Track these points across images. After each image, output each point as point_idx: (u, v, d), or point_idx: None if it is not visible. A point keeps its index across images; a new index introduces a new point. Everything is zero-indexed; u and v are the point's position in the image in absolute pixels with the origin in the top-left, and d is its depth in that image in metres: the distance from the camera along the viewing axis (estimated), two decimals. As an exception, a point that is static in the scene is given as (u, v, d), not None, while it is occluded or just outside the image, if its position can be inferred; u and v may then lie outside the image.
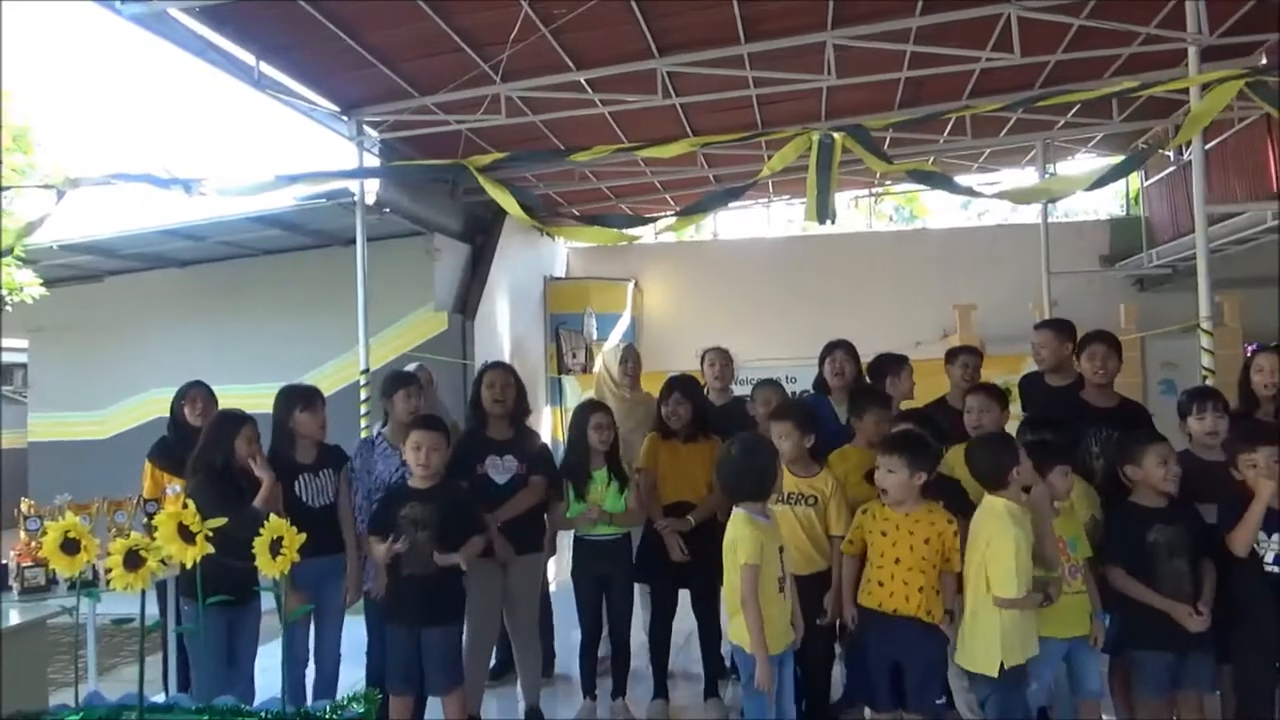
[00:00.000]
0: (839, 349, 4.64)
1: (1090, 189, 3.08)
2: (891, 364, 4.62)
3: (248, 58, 7.39)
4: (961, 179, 13.24)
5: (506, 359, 11.83)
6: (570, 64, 8.06)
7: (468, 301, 10.91)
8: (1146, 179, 12.85)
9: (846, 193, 14.27)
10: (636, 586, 4.44)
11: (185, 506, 2.69)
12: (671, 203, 13.16)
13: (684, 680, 4.75)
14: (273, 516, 2.71)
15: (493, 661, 4.78)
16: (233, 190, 3.28)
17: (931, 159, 12.33)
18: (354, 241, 8.51)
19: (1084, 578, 3.31)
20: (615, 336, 13.28)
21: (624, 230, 3.54)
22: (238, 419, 3.73)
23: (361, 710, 2.77)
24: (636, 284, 14.24)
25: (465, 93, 8.26)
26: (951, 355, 4.80)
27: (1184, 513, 3.28)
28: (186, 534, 2.67)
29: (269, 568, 2.65)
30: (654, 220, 3.59)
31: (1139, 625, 3.26)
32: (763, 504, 3.27)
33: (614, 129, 9.73)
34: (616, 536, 4.22)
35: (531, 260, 12.96)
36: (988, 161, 12.77)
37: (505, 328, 11.88)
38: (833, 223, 3.02)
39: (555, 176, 11.60)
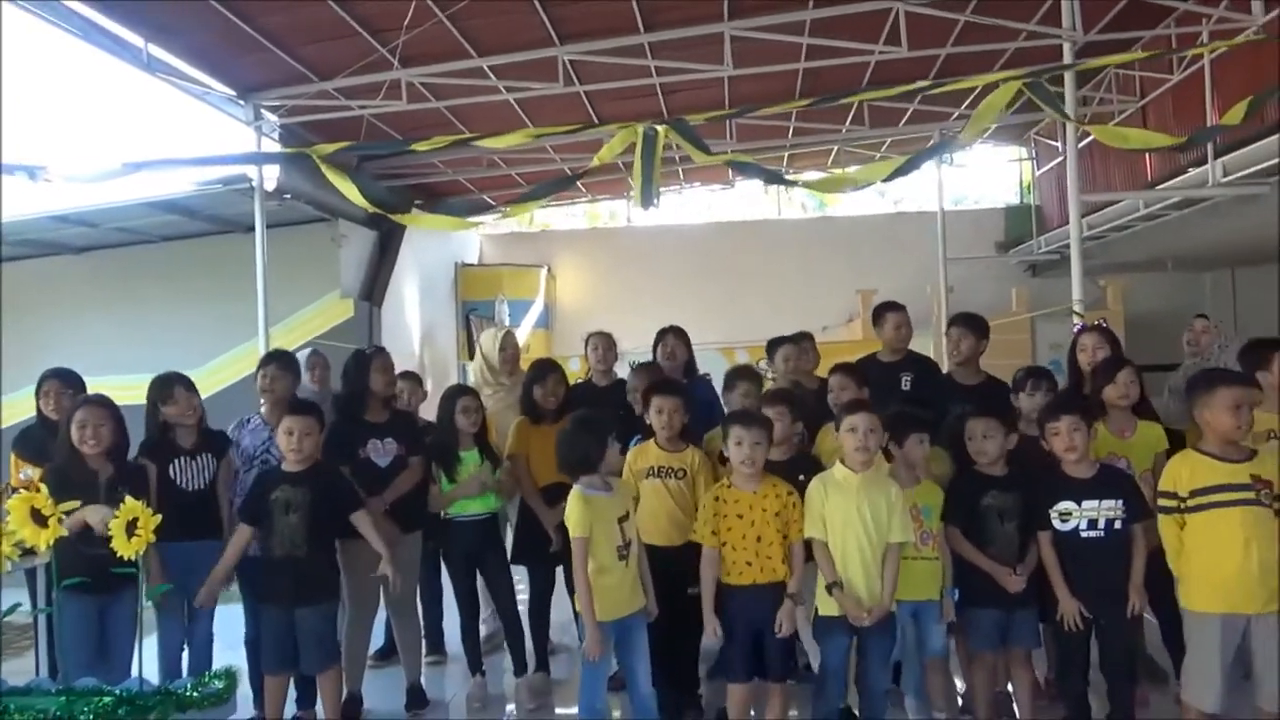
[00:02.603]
0: (669, 334, 4.91)
1: (888, 180, 3.30)
2: (771, 345, 4.90)
3: (136, 40, 7.25)
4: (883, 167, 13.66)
5: (416, 345, 11.82)
6: (470, 50, 8.08)
7: (375, 288, 10.85)
8: (1038, 169, 13.41)
9: (756, 180, 14.53)
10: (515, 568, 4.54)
11: (38, 491, 2.73)
12: (582, 189, 13.26)
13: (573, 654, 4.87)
14: (129, 499, 2.77)
15: (382, 642, 4.87)
16: (80, 177, 3.27)
17: (835, 149, 12.70)
18: (255, 228, 8.43)
19: (936, 547, 3.52)
20: (528, 323, 13.35)
21: (467, 218, 3.63)
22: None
23: (221, 686, 2.84)
24: (549, 270, 14.31)
25: (365, 78, 8.22)
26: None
27: (1018, 482, 3.52)
28: (39, 518, 2.71)
29: (124, 548, 2.71)
30: (496, 208, 3.68)
31: (971, 585, 3.49)
32: (598, 476, 3.39)
33: (520, 116, 9.77)
34: (484, 516, 4.32)
35: (442, 247, 12.92)
36: (890, 151, 13.14)
37: (415, 314, 11.84)
38: (657, 208, 3.18)
39: (464, 163, 11.60)
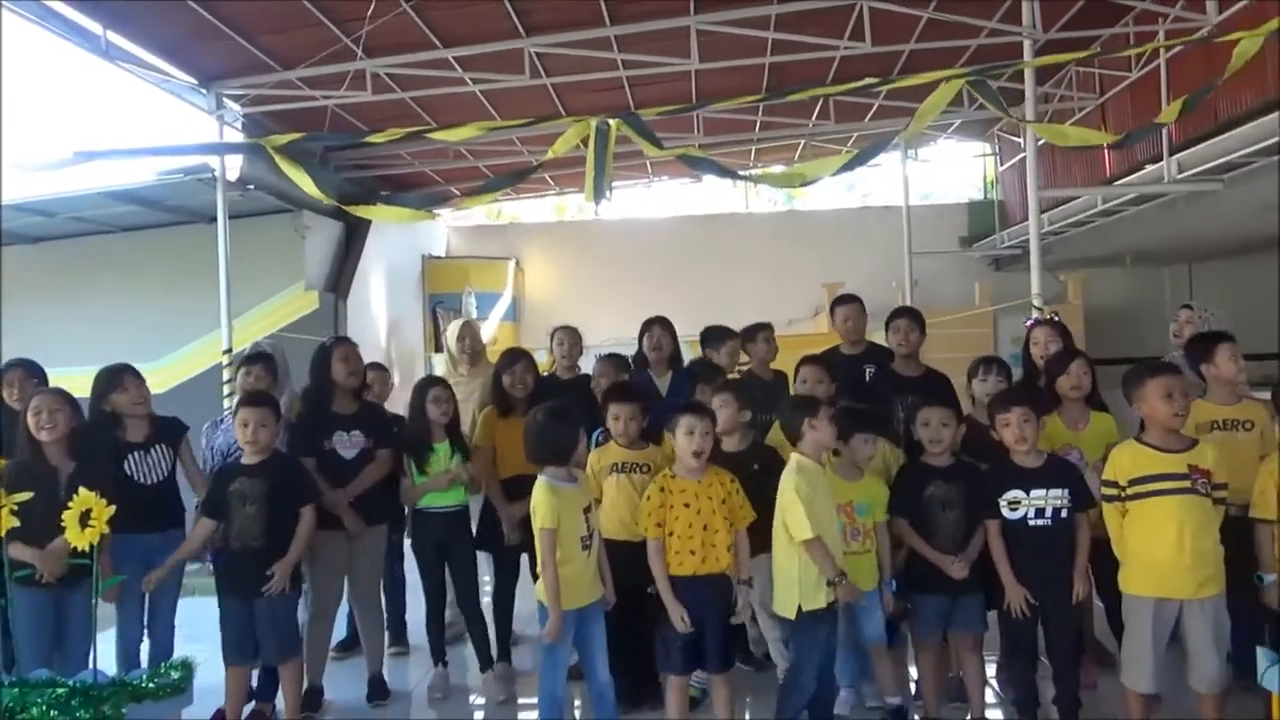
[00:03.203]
0: (656, 325, 4.90)
1: (836, 174, 3.37)
2: (715, 337, 4.93)
3: (94, 27, 7.15)
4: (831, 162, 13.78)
5: (383, 338, 11.77)
6: (436, 41, 8.05)
7: (340, 280, 10.78)
8: (1001, 164, 13.58)
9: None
10: (480, 555, 4.55)
11: (-10, 483, 2.71)
12: (550, 182, 13.24)
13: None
14: (82, 490, 2.76)
15: (344, 634, 4.87)
16: (31, 166, 3.25)
17: (802, 144, 12.78)
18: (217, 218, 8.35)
19: (870, 540, 3.58)
20: (496, 316, 13.32)
21: (421, 209, 3.64)
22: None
23: (178, 676, 2.85)
24: (518, 263, 14.28)
25: (329, 68, 8.16)
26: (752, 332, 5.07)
27: (963, 471, 3.60)
28: (-10, 509, 2.69)
29: (77, 539, 2.70)
30: (449, 200, 3.68)
31: (916, 573, 3.58)
32: (565, 469, 3.42)
33: (486, 108, 9.75)
34: (455, 508, 4.32)
35: (409, 239, 12.85)
36: (855, 146, 13.25)
37: (381, 307, 11.78)
38: (609, 202, 3.21)
39: (431, 155, 11.55)
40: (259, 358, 4.45)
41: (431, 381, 4.41)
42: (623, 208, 15.83)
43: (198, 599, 4.38)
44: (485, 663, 4.38)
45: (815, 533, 3.27)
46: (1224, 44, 3.94)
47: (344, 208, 3.41)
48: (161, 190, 9.05)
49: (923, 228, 12.56)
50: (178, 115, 8.87)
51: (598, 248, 14.48)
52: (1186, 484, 3.16)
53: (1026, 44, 7.87)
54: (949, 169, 15.83)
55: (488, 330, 13.02)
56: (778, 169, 13.88)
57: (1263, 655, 2.78)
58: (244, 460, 3.70)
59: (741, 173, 4.09)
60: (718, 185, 15.74)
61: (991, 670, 3.97)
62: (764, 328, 5.10)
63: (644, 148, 3.17)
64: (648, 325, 4.92)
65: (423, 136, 3.80)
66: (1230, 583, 3.24)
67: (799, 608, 3.34)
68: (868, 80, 4.40)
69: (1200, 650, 3.15)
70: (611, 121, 3.00)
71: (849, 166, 3.34)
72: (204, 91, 8.41)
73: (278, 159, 3.11)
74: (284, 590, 3.64)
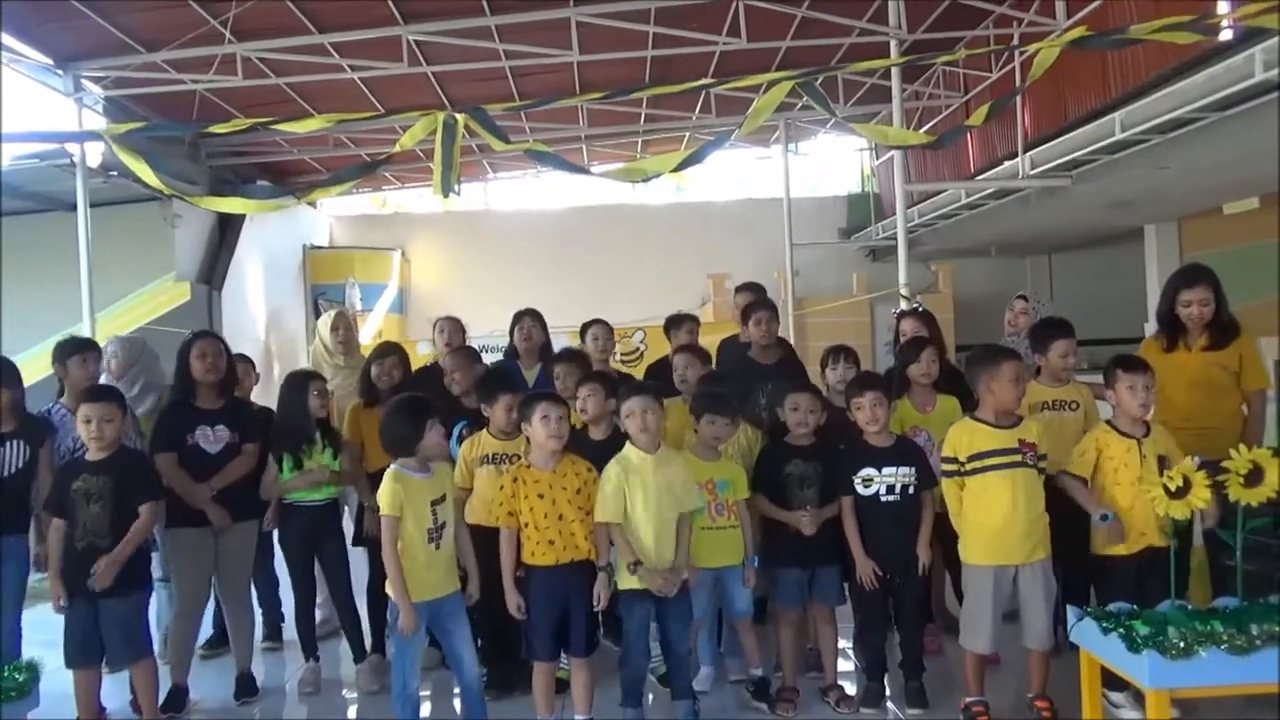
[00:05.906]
0: (526, 316, 5.00)
1: (676, 170, 3.51)
2: (674, 322, 5.12)
3: (-67, 1, 6.73)
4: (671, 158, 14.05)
5: (261, 330, 11.44)
6: (310, 26, 7.88)
7: (215, 271, 10.42)
8: (877, 158, 14.08)
9: (610, 164, 14.68)
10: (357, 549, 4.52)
11: None
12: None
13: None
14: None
15: (211, 632, 4.76)
16: None
17: (686, 136, 12.98)
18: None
19: (734, 516, 3.70)
20: (382, 307, 13.10)
21: (268, 200, 3.62)
22: None
23: (22, 679, 2.77)
24: (403, 254, 14.06)
25: (196, 50, 7.90)
26: (677, 322, 5.19)
27: (820, 451, 3.77)
28: None
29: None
30: (302, 191, 3.67)
31: (776, 546, 3.75)
32: (415, 459, 3.40)
33: (366, 96, 9.58)
34: (324, 501, 4.28)
35: (290, 229, 12.51)
36: (738, 140, 13.50)
37: (259, 298, 11.44)
38: (458, 195, 3.26)
39: (310, 142, 11.29)
40: (88, 344, 4.35)
41: (311, 375, 4.36)
42: (512, 198, 15.76)
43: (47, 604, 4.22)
44: (359, 654, 4.37)
45: (609, 519, 3.37)
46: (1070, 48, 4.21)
47: (187, 199, 3.34)
48: (17, 175, 8.56)
49: (804, 219, 12.92)
50: (33, 97, 8.44)
51: (486, 238, 14.39)
52: (1018, 458, 3.41)
53: (893, 43, 8.23)
54: (832, 162, 16.27)
55: (373, 322, 12.80)
56: (618, 166, 14.06)
57: (1072, 612, 3.03)
58: (88, 456, 3.58)
59: (584, 167, 4.15)
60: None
61: (847, 641, 4.18)
62: (689, 318, 5.23)
63: (489, 142, 3.23)
64: (518, 317, 5.02)
65: (266, 128, 3.73)
66: (1056, 549, 3.52)
67: (614, 584, 3.44)
68: (702, 82, 4.58)
69: (1031, 610, 3.41)
70: (458, 115, 3.04)
71: (686, 164, 3.47)
72: (60, 73, 8.02)
73: (115, 148, 3.02)
74: (125, 590, 3.54)
